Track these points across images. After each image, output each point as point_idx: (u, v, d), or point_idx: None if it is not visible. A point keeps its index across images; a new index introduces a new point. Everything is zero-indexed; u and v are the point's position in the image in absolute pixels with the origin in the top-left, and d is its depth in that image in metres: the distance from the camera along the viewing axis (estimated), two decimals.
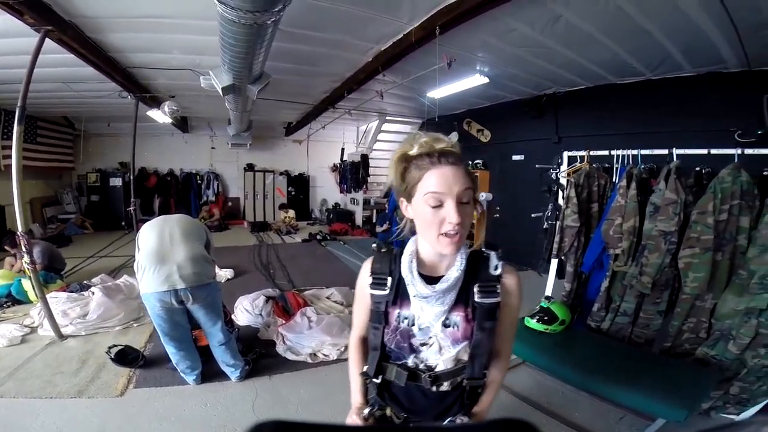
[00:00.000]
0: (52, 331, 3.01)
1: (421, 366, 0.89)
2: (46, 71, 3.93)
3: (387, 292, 0.90)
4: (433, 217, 0.80)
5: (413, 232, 0.90)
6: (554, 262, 3.01)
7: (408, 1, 2.86)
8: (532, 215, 3.70)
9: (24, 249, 3.01)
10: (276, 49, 3.27)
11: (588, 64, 4.01)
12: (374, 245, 0.97)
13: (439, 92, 4.88)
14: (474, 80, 4.41)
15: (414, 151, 0.83)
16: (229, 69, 3.36)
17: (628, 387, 2.02)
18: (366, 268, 0.95)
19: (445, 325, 0.87)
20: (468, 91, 4.83)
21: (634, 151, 2.58)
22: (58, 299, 3.38)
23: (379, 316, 0.90)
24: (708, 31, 2.90)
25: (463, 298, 0.87)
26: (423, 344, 0.88)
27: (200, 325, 2.41)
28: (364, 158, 8.48)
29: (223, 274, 4.79)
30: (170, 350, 2.36)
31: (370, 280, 0.92)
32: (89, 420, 2.10)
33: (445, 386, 0.90)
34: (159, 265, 2.16)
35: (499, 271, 0.88)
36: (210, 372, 2.53)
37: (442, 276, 0.86)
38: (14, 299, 3.72)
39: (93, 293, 3.51)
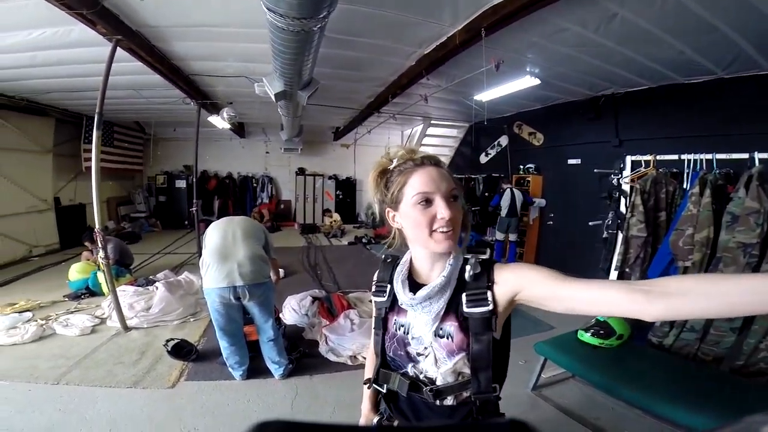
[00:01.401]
0: (119, 322, 3.29)
1: (422, 377, 0.86)
2: (119, 79, 4.27)
3: (385, 299, 0.90)
4: (423, 215, 0.78)
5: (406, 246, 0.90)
6: (614, 275, 2.80)
7: (450, 3, 2.82)
8: (590, 223, 3.46)
9: (99, 244, 3.32)
10: (323, 56, 3.35)
11: (649, 63, 3.73)
12: (382, 255, 0.97)
13: (487, 95, 4.71)
14: (524, 82, 4.21)
15: (393, 164, 0.84)
16: (280, 76, 3.50)
17: (691, 406, 1.87)
18: (375, 276, 0.96)
19: (439, 336, 0.83)
20: (517, 93, 4.61)
21: (709, 155, 2.33)
22: (125, 292, 3.69)
23: (379, 322, 0.91)
24: None
25: (453, 308, 0.82)
26: (420, 354, 0.85)
27: (254, 320, 2.56)
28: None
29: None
30: (223, 344, 2.50)
31: (374, 288, 0.94)
32: (140, 410, 2.25)
33: (449, 401, 0.84)
34: (221, 262, 2.33)
35: (471, 273, 0.81)
36: (256, 369, 2.64)
37: (432, 281, 0.84)
38: (91, 291, 4.13)
39: (157, 288, 3.80)
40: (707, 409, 1.82)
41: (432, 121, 7.58)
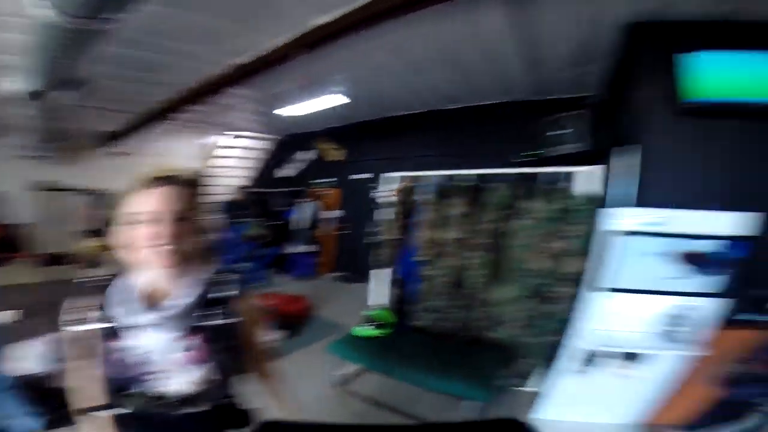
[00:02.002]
0: None
1: (157, 394, 0.86)
2: None
3: (92, 326, 0.85)
4: (141, 236, 0.81)
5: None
6: (378, 272, 3.40)
7: (272, 17, 2.90)
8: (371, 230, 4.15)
9: None
10: (106, 53, 2.94)
11: (423, 90, 4.70)
12: (78, 281, 0.91)
13: (295, 110, 4.97)
14: (330, 100, 4.53)
15: (134, 185, 0.85)
16: (37, 72, 2.86)
17: (440, 376, 2.33)
18: (69, 305, 0.89)
19: (183, 349, 0.85)
20: (327, 109, 4.96)
21: (440, 172, 3.17)
22: None
23: (95, 349, 0.86)
24: (510, 62, 3.73)
25: (194, 321, 0.87)
26: (151, 373, 0.85)
27: None
28: (199, 175, 7.77)
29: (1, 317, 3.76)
30: None
31: (69, 317, 0.88)
32: None
33: (195, 408, 0.88)
34: None
35: (224, 294, 0.91)
36: None
37: (168, 301, 0.87)
38: None
39: None
40: (450, 375, 2.30)
41: (234, 132, 7.28)
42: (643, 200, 2.70)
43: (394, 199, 3.25)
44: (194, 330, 0.86)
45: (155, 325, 0.83)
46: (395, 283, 3.34)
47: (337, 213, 6.74)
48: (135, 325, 0.83)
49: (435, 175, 3.21)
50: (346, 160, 6.87)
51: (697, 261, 2.18)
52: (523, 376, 2.76)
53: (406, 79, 4.31)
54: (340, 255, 6.71)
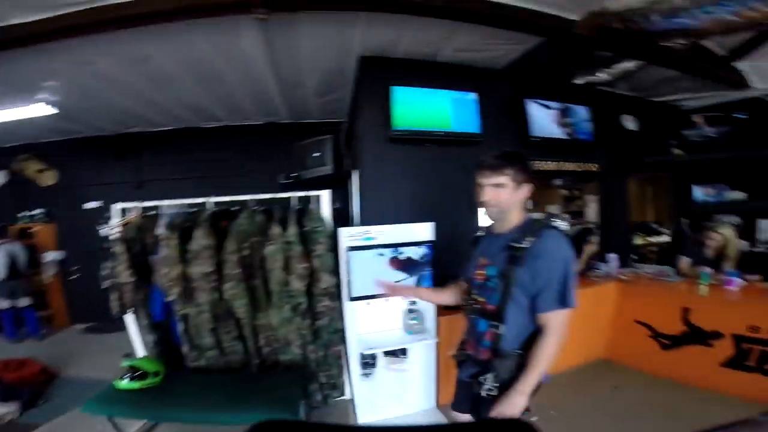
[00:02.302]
0: None
1: None
2: None
3: None
4: None
5: None
6: (129, 319, 2.89)
7: None
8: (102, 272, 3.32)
9: None
10: None
11: (173, 106, 4.12)
12: None
13: None
14: (36, 109, 3.55)
15: None
16: None
17: (235, 408, 2.23)
18: None
19: None
20: (28, 121, 3.81)
21: (178, 201, 2.81)
22: None
23: None
24: (269, 86, 3.64)
25: None
26: None
27: None
28: None
29: None
30: None
31: None
32: None
33: None
34: None
35: None
36: None
37: None
38: None
39: None
40: (250, 406, 2.21)
41: None
42: (365, 218, 3.05)
43: (127, 233, 2.76)
44: None
45: None
46: (151, 327, 2.96)
47: (55, 254, 5.18)
48: None
49: (177, 204, 2.86)
50: (59, 184, 5.29)
51: (406, 264, 2.65)
52: (335, 387, 2.92)
53: (149, 91, 3.66)
54: (75, 304, 5.35)
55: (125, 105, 4.01)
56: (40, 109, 3.58)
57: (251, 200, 2.84)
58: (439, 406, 2.78)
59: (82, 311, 5.25)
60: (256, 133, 4.90)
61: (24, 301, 4.66)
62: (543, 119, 3.50)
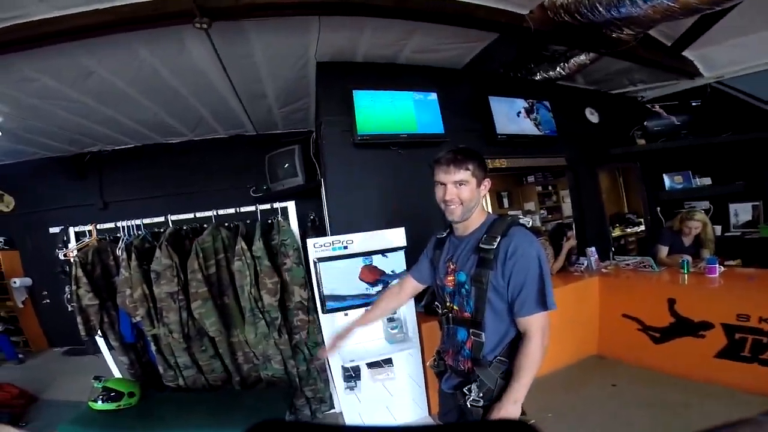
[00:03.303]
0: None
1: None
2: None
3: None
4: None
5: None
6: (100, 341, 2.85)
7: None
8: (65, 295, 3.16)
9: None
10: None
11: (130, 122, 3.97)
12: None
13: None
14: None
15: None
16: None
17: (221, 427, 2.17)
18: None
19: None
20: None
21: (137, 221, 2.72)
22: None
23: None
24: (228, 98, 3.55)
25: None
26: None
27: None
28: None
29: None
30: None
31: None
32: None
33: None
34: None
35: None
36: None
37: None
38: None
39: None
40: (233, 424, 2.14)
41: None
42: (334, 227, 2.97)
43: (86, 257, 2.67)
44: None
45: None
46: (124, 348, 2.88)
47: (22, 280, 4.98)
48: None
49: (136, 224, 2.77)
50: (16, 210, 5.06)
51: (379, 272, 2.61)
52: (322, 401, 2.88)
53: (100, 108, 3.49)
54: (51, 328, 5.24)
55: (77, 123, 3.82)
56: None
57: (214, 215, 2.76)
58: (432, 414, 2.65)
59: (58, 334, 5.09)
60: (223, 147, 4.78)
61: None
62: (507, 116, 3.52)
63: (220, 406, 2.43)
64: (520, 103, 3.61)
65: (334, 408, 2.91)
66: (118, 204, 4.65)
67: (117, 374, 2.91)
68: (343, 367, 2.51)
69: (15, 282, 4.86)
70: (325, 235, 3.16)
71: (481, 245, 1.24)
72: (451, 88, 3.30)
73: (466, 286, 1.28)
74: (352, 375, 2.54)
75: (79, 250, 2.66)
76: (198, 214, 2.79)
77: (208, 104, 3.80)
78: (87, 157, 4.77)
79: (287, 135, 4.81)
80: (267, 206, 2.81)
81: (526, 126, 3.61)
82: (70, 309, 2.77)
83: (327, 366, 2.82)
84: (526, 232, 1.26)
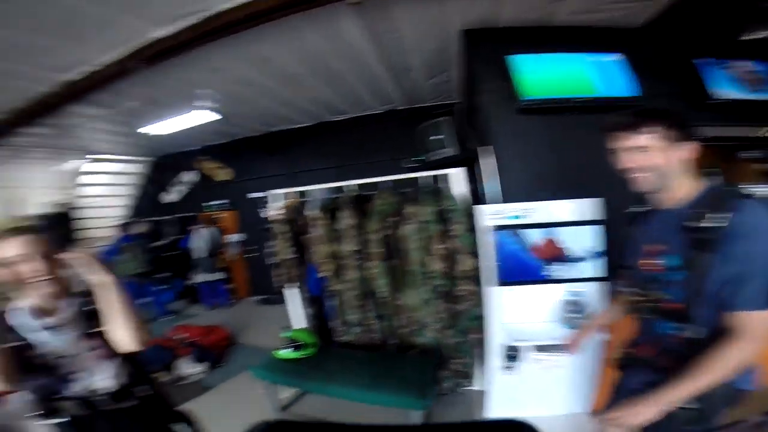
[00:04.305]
0: None
1: (86, 393, 1.06)
2: None
3: (15, 344, 1.03)
4: (16, 276, 1.05)
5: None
6: (290, 292, 3.27)
7: (97, 31, 2.60)
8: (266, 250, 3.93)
9: None
10: None
11: (304, 102, 4.60)
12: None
13: (160, 128, 4.48)
14: (196, 116, 4.21)
15: None
16: None
17: (376, 389, 2.30)
18: None
19: (88, 349, 1.08)
20: (195, 127, 4.57)
21: (324, 185, 3.09)
22: None
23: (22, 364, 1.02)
24: (378, 73, 3.79)
25: (83, 326, 1.11)
26: (73, 372, 1.07)
27: None
28: (66, 207, 6.65)
29: None
30: None
31: None
32: None
33: (124, 403, 1.08)
34: None
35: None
36: None
37: (56, 314, 1.11)
38: None
39: None
40: (384, 386, 2.27)
41: (98, 156, 6.30)
42: (507, 196, 2.86)
43: (284, 216, 3.12)
44: (88, 334, 1.08)
45: (59, 327, 1.06)
46: (309, 301, 3.25)
47: (237, 236, 6.39)
48: (37, 331, 1.04)
49: (321, 188, 3.13)
50: (234, 180, 6.46)
51: (554, 249, 2.34)
52: (466, 376, 2.79)
53: (281, 90, 4.15)
54: (252, 278, 6.50)
55: (264, 106, 4.57)
56: (201, 116, 4.20)
57: (384, 182, 2.96)
58: (592, 411, 2.34)
59: (257, 285, 6.34)
60: (379, 122, 5.24)
61: (216, 276, 5.86)
62: (721, 77, 2.86)
63: (378, 369, 2.52)
64: (743, 63, 2.90)
65: (473, 386, 2.82)
66: (302, 175, 5.49)
67: (299, 325, 3.23)
68: (506, 345, 2.34)
69: (232, 237, 6.28)
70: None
71: (694, 222, 1.02)
72: (636, 48, 2.86)
73: (673, 272, 1.08)
74: (512, 354, 2.34)
75: (279, 211, 3.16)
76: (369, 180, 3.02)
77: (363, 81, 4.07)
78: (273, 136, 5.81)
79: (434, 108, 4.97)
80: (430, 172, 2.88)
81: (748, 90, 2.87)
82: (269, 262, 3.31)
83: (480, 341, 2.69)
84: (758, 207, 0.99)
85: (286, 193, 3.28)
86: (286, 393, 2.90)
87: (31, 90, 3.44)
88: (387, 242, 2.82)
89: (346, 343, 3.09)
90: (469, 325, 2.72)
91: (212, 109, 4.12)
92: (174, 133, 4.73)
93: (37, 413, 1.06)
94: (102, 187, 7.02)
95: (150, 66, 2.94)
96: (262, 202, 3.72)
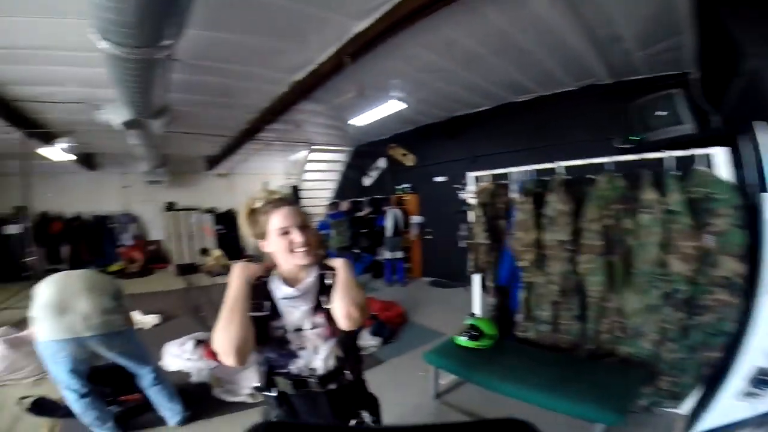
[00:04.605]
0: None
1: (305, 371, 1.06)
2: None
3: (265, 312, 1.07)
4: (285, 242, 1.07)
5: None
6: (476, 279, 3.10)
7: (315, 30, 2.94)
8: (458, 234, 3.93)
9: None
10: (181, 81, 3.24)
11: (486, 84, 4.40)
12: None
13: (361, 119, 5.02)
14: (390, 106, 4.50)
15: (257, 204, 1.11)
16: (126, 103, 3.19)
17: (559, 394, 2.06)
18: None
19: (314, 325, 1.08)
20: (389, 116, 4.92)
21: (526, 167, 2.76)
22: None
23: (260, 334, 1.04)
24: (576, 46, 3.35)
25: (319, 303, 1.10)
26: (300, 348, 1.07)
27: (131, 372, 2.33)
28: (295, 190, 8.37)
29: (148, 320, 4.39)
30: (71, 399, 2.15)
31: (252, 307, 1.06)
32: None
33: (333, 385, 1.07)
34: (59, 315, 2.06)
35: (330, 281, 1.11)
36: (149, 421, 2.40)
37: (302, 283, 1.11)
38: None
39: None
40: (572, 393, 2.02)
41: (315, 146, 7.62)
42: None
43: (480, 199, 2.98)
44: (318, 308, 1.08)
45: (296, 299, 1.07)
46: (495, 290, 3.08)
47: (418, 218, 6.72)
48: (281, 297, 1.08)
49: (524, 171, 2.83)
50: (417, 165, 6.77)
51: None
52: (674, 397, 2.31)
53: (464, 74, 4.02)
54: (427, 260, 6.76)
55: (448, 91, 4.54)
56: (393, 105, 4.45)
57: (608, 163, 2.43)
58: None
59: (430, 266, 6.58)
60: (574, 100, 4.51)
61: (398, 254, 6.28)
62: None
63: (567, 373, 2.24)
64: None
65: (678, 409, 2.25)
66: (483, 158, 5.28)
67: (478, 313, 3.05)
68: (760, 368, 1.85)
69: (414, 219, 6.63)
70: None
71: None
72: None
73: None
74: (765, 380, 1.87)
75: (480, 192, 3.01)
76: (586, 161, 2.53)
77: (555, 55, 3.61)
78: (457, 120, 5.74)
79: (652, 80, 3.95)
80: (677, 152, 2.22)
81: None
82: (461, 245, 3.27)
83: (714, 361, 2.12)
84: None
85: (482, 176, 3.11)
86: (444, 380, 2.78)
87: (273, 91, 4.30)
88: (607, 234, 2.37)
89: (527, 340, 2.83)
90: (705, 341, 2.14)
91: (402, 99, 4.33)
92: (370, 123, 5.22)
93: (258, 384, 1.12)
94: (317, 173, 8.55)
95: (354, 60, 3.20)
96: (460, 184, 3.62)
